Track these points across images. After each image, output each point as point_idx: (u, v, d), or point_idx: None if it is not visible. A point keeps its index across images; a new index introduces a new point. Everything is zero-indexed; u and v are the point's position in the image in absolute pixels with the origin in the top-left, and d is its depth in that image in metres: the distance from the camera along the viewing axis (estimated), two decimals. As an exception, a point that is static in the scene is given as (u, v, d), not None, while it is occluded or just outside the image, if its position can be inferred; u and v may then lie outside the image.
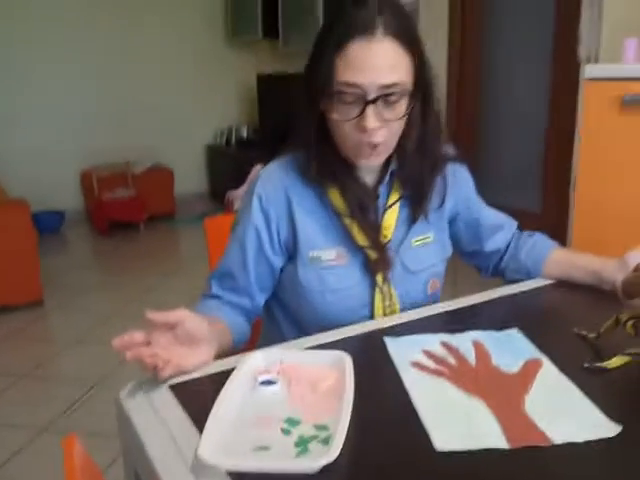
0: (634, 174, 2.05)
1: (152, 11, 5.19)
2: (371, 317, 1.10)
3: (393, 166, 1.09)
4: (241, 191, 4.57)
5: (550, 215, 3.52)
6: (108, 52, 5.06)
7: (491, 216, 1.27)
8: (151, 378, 0.85)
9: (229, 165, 5.32)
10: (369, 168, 1.08)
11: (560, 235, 3.19)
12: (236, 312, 1.10)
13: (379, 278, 1.09)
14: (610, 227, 2.13)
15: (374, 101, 0.95)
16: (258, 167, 4.69)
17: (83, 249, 4.58)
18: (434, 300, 1.18)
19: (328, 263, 1.08)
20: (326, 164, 1.05)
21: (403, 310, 1.11)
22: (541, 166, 3.59)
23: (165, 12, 5.26)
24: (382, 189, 1.10)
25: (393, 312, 1.11)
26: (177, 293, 3.47)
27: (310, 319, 1.10)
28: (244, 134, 5.60)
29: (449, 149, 1.16)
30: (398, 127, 1.01)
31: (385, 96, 0.95)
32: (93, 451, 1.89)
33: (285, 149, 1.12)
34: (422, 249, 1.14)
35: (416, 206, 1.11)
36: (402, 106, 0.98)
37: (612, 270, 1.09)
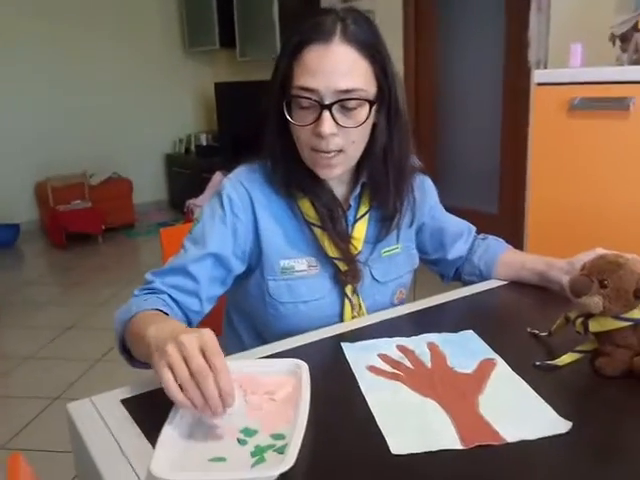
0: (584, 176, 2.11)
1: (107, 23, 5.12)
2: (340, 305, 1.10)
3: (363, 178, 1.08)
4: (201, 200, 4.53)
5: (506, 216, 3.59)
6: (64, 63, 4.97)
7: (454, 224, 1.29)
8: (103, 393, 0.84)
9: (189, 173, 5.28)
10: (329, 179, 1.06)
11: (517, 235, 3.26)
12: (184, 313, 1.01)
13: (348, 289, 1.09)
14: (564, 227, 2.19)
15: (330, 106, 0.94)
16: (219, 174, 4.67)
17: (39, 263, 4.47)
18: (387, 292, 1.18)
19: (300, 273, 1.07)
20: (295, 174, 1.04)
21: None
22: (497, 169, 3.66)
23: (121, 24, 5.20)
24: (352, 201, 1.10)
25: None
26: (137, 305, 3.41)
27: (277, 329, 1.08)
28: (203, 142, 5.56)
29: (414, 161, 1.15)
30: (358, 136, 0.99)
31: (341, 102, 0.94)
32: (51, 468, 1.84)
33: (251, 156, 1.10)
34: (391, 260, 1.15)
35: (387, 219, 1.10)
36: (361, 114, 0.97)
37: (558, 271, 1.12)
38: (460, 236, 1.28)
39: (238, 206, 1.04)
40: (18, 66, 4.76)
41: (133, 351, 0.90)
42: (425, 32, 3.91)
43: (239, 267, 1.07)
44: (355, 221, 1.09)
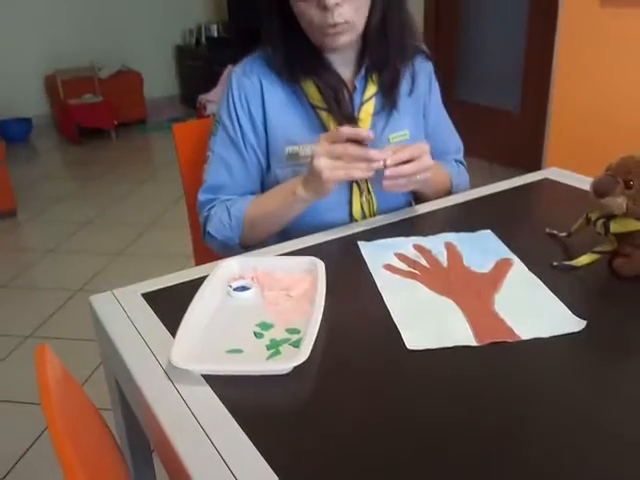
0: (615, 73, 2.01)
1: None
2: (350, 214, 1.10)
3: (367, 60, 1.07)
4: (213, 94, 4.42)
5: (528, 115, 3.48)
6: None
7: (450, 135, 1.26)
8: (124, 287, 0.85)
9: (200, 66, 5.11)
10: (344, 55, 1.06)
11: (538, 136, 3.18)
12: None
13: None
14: (589, 126, 2.12)
15: None
16: (230, 68, 4.52)
17: (54, 158, 4.46)
18: (410, 196, 1.18)
19: (306, 160, 1.05)
20: (298, 56, 1.04)
21: (381, 207, 1.11)
22: (521, 65, 3.50)
23: None
24: (358, 83, 1.09)
25: (371, 209, 1.11)
26: (151, 200, 3.44)
27: (300, 230, 1.08)
28: (214, 33, 5.35)
29: (422, 46, 1.15)
30: (360, 4, 0.99)
31: None
32: (77, 356, 1.93)
33: (254, 47, 1.09)
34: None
35: (386, 95, 1.10)
36: None
37: None
38: (450, 151, 1.25)
39: (249, 93, 1.07)
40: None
41: (263, 222, 1.05)
42: None
43: (263, 157, 1.10)
44: (362, 103, 1.09)
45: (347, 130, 0.92)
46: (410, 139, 1.13)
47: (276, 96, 1.07)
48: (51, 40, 4.80)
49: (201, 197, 1.11)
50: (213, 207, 1.09)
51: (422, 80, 1.16)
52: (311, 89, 1.06)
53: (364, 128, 1.07)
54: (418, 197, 1.18)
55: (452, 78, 3.85)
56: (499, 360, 0.68)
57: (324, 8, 0.95)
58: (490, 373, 0.66)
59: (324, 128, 1.06)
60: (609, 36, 1.98)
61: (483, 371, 0.66)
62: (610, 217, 0.84)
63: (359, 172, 0.93)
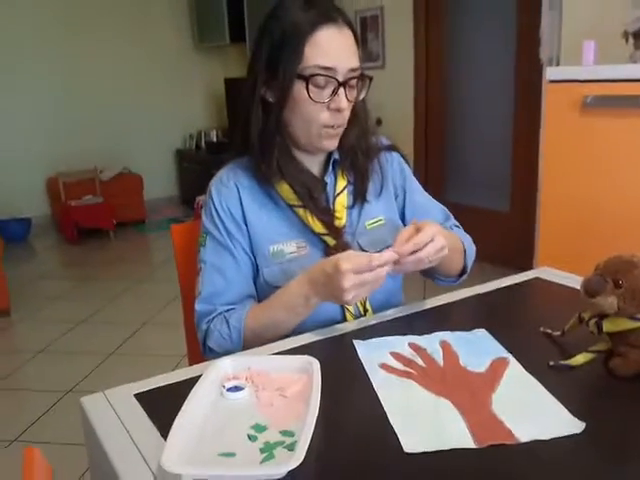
0: (597, 175, 2.09)
1: (118, 19, 5.16)
2: (342, 309, 1.11)
3: (335, 155, 1.15)
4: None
5: (518, 215, 3.57)
6: (76, 60, 5.02)
7: (435, 206, 1.29)
8: (116, 387, 0.84)
9: (199, 169, 5.29)
10: (323, 153, 1.14)
11: (528, 234, 3.25)
12: None
13: None
14: (576, 226, 2.17)
15: (345, 83, 1.04)
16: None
17: (51, 257, 4.50)
18: (397, 282, 1.20)
19: (290, 255, 1.10)
20: (273, 159, 1.10)
21: (373, 299, 1.13)
22: (509, 167, 3.64)
23: (131, 20, 5.23)
24: (328, 179, 1.15)
25: (364, 302, 1.12)
26: (148, 299, 3.43)
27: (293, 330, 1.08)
28: (214, 138, 5.58)
29: (382, 140, 1.23)
30: (350, 110, 1.09)
31: (352, 79, 1.05)
32: (64, 461, 1.86)
33: (228, 158, 1.18)
34: (376, 232, 1.17)
35: (358, 190, 1.16)
36: (355, 90, 1.08)
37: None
38: (439, 219, 1.26)
39: (229, 201, 1.12)
40: (31, 64, 4.80)
41: (269, 331, 1.05)
42: (435, 28, 3.89)
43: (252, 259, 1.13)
44: (335, 197, 1.14)
45: (376, 260, 0.92)
46: (385, 224, 1.18)
47: (253, 200, 1.12)
48: (54, 143, 4.99)
49: (198, 307, 1.10)
50: (212, 320, 1.09)
51: (390, 168, 1.23)
52: (284, 189, 1.11)
53: (341, 220, 1.12)
54: (439, 270, 1.18)
55: (443, 181, 3.99)
56: (498, 463, 0.66)
57: (337, 110, 1.05)
58: (489, 476, 0.64)
59: (302, 224, 1.10)
60: (590, 142, 2.08)
61: (482, 474, 0.64)
62: (602, 316, 0.84)
63: (379, 285, 0.96)
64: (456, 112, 3.95)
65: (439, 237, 0.98)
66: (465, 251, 1.21)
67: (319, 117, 1.05)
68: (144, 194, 5.17)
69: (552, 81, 2.16)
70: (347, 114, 1.08)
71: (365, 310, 1.13)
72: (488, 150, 3.81)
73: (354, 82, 1.06)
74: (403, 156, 1.27)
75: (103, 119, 5.21)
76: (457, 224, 1.31)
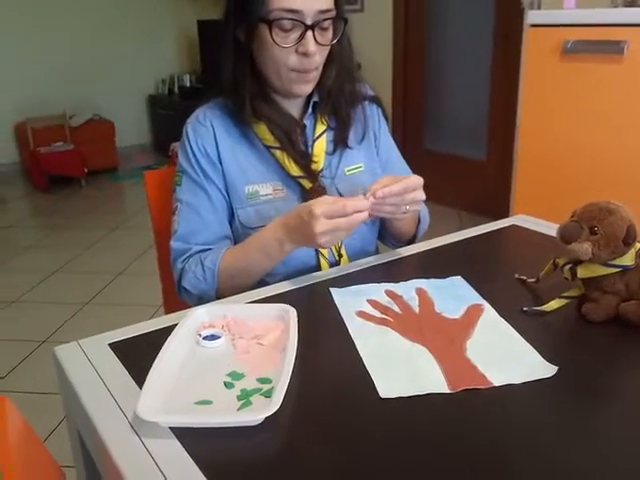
0: (575, 122, 2.09)
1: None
2: (317, 257, 1.10)
3: (315, 98, 1.13)
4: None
5: (495, 163, 3.58)
6: (44, 3, 4.77)
7: (400, 163, 1.29)
8: (90, 337, 0.83)
9: (172, 115, 5.16)
10: (298, 97, 1.11)
11: (505, 183, 3.26)
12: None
13: None
14: (553, 175, 2.18)
15: (313, 26, 1.00)
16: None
17: (21, 206, 4.40)
18: (374, 229, 1.19)
19: (266, 197, 1.10)
20: (250, 99, 1.08)
21: (348, 246, 1.13)
22: (486, 115, 3.62)
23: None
24: (307, 121, 1.13)
25: (339, 249, 1.12)
26: (121, 248, 3.40)
27: (270, 276, 1.08)
28: (187, 83, 5.42)
29: (367, 89, 1.21)
30: (325, 54, 1.07)
31: (321, 22, 1.01)
32: (41, 410, 1.86)
33: (206, 98, 1.16)
34: (356, 178, 1.16)
35: (339, 135, 1.14)
36: (330, 33, 1.05)
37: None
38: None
39: (205, 138, 1.11)
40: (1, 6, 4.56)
41: (243, 274, 1.05)
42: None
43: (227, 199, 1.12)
44: (314, 140, 1.12)
45: (350, 206, 0.90)
46: (365, 170, 1.18)
47: (229, 140, 1.11)
48: (22, 88, 4.81)
49: (174, 245, 1.10)
50: (187, 260, 1.08)
51: (371, 118, 1.21)
52: (262, 130, 1.09)
53: (319, 164, 1.11)
54: (390, 233, 1.20)
55: (421, 129, 3.96)
56: (472, 407, 0.67)
57: (303, 55, 1.01)
58: (463, 420, 0.65)
59: (280, 166, 1.09)
60: (569, 88, 2.07)
61: (456, 418, 0.66)
62: (577, 263, 0.85)
63: (355, 228, 0.94)
64: (435, 58, 3.88)
65: (421, 190, 0.97)
66: (420, 221, 1.22)
67: (287, 61, 1.03)
68: (116, 141, 5.04)
69: (533, 25, 2.12)
70: (318, 58, 1.04)
71: (340, 256, 1.12)
72: (467, 97, 3.78)
73: (327, 24, 1.03)
74: (384, 111, 1.25)
75: (72, 64, 5.02)
76: None
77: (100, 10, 5.07)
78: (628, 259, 0.82)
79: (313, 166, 1.10)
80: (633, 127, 1.94)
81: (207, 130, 1.11)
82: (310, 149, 1.12)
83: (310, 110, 1.13)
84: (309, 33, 1.00)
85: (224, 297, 1.06)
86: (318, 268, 1.11)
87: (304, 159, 1.10)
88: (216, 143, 1.10)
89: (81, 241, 3.52)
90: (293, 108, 1.13)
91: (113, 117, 5.10)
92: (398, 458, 0.60)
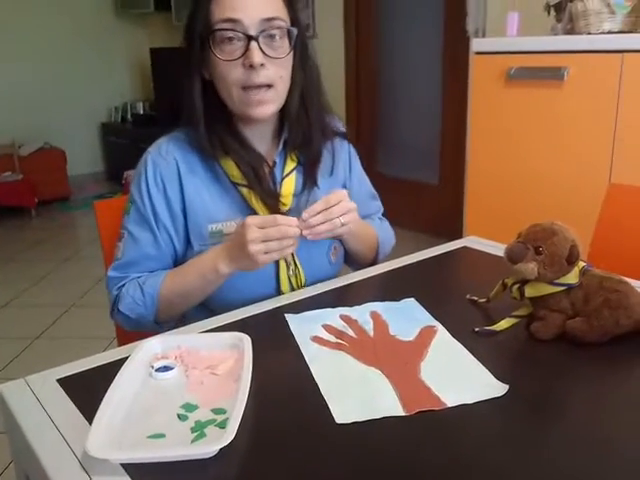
0: (521, 145, 2.16)
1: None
2: (277, 289, 1.09)
3: (285, 134, 1.09)
4: (139, 171, 4.39)
5: (447, 187, 3.65)
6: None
7: (374, 204, 1.31)
8: (38, 372, 0.81)
9: (126, 143, 5.10)
10: (260, 130, 1.08)
11: (457, 205, 3.33)
12: None
13: None
14: (501, 196, 2.24)
15: (257, 37, 0.97)
16: (157, 145, 4.54)
17: (-33, 238, 4.25)
18: (337, 269, 1.19)
19: (228, 237, 1.05)
20: (217, 134, 1.04)
21: (309, 280, 1.11)
22: (438, 139, 3.70)
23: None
24: (277, 159, 1.10)
25: (298, 282, 1.11)
26: (73, 280, 3.31)
27: (214, 296, 1.07)
28: (140, 110, 5.39)
29: (337, 123, 1.19)
30: (284, 70, 1.02)
31: (266, 32, 0.97)
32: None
33: (173, 127, 1.10)
34: None
35: (308, 173, 1.11)
36: (284, 46, 1.01)
37: None
38: (373, 214, 1.31)
39: (165, 174, 1.06)
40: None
41: (182, 298, 1.04)
42: (364, 3, 3.87)
43: (178, 241, 1.09)
44: (283, 178, 1.10)
45: (280, 218, 0.93)
46: None
47: (194, 176, 1.06)
48: (-32, 118, 4.69)
49: (111, 273, 1.08)
50: (123, 285, 1.07)
51: (341, 159, 1.20)
52: (230, 166, 1.06)
53: (286, 204, 1.08)
54: (349, 254, 1.20)
55: (374, 153, 4.02)
56: (427, 428, 0.68)
57: (249, 67, 0.97)
58: (418, 441, 0.66)
59: (246, 204, 1.06)
60: (514, 113, 2.14)
61: (412, 440, 0.66)
62: (524, 282, 0.87)
63: (292, 248, 0.96)
64: (387, 83, 3.96)
65: (345, 201, 0.99)
66: (378, 244, 1.23)
67: (235, 77, 0.98)
68: (68, 170, 4.94)
69: (478, 53, 2.20)
70: (271, 73, 0.99)
71: (301, 286, 1.11)
72: (418, 122, 3.86)
73: (277, 34, 0.99)
74: (354, 148, 1.24)
75: (21, 91, 4.92)
76: (383, 218, 1.33)
77: (51, 37, 5.01)
78: (572, 278, 0.85)
79: (281, 207, 1.07)
80: (574, 149, 2.02)
81: (169, 165, 1.06)
82: (279, 188, 1.09)
83: (281, 146, 1.10)
84: (253, 44, 0.96)
85: (162, 321, 1.06)
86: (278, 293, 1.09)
87: (272, 199, 1.06)
88: (179, 181, 1.06)
89: (31, 274, 3.42)
90: (262, 143, 1.10)
91: (64, 145, 5.00)
92: (354, 484, 0.59)
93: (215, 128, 1.04)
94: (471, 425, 0.69)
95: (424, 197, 3.78)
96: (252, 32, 0.96)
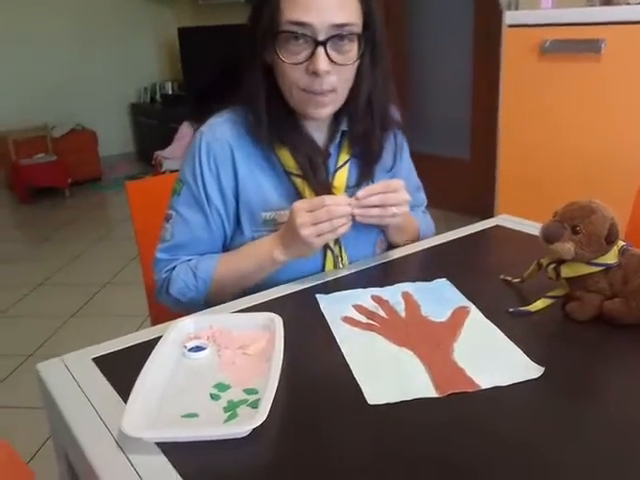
0: (555, 120, 2.10)
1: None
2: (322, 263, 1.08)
3: (344, 126, 1.06)
4: (169, 151, 4.43)
5: (478, 163, 3.59)
6: (23, 12, 4.74)
7: (419, 195, 1.29)
8: (74, 351, 0.82)
9: (155, 124, 5.14)
10: (318, 121, 1.05)
11: (489, 182, 3.27)
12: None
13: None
14: (535, 172, 2.19)
15: (325, 42, 0.92)
16: (186, 125, 4.55)
17: (4, 219, 4.35)
18: (370, 240, 1.16)
19: (282, 225, 1.03)
20: (275, 121, 1.01)
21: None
22: (469, 114, 3.64)
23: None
24: (333, 149, 1.07)
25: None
26: (106, 259, 3.37)
27: (259, 285, 1.05)
28: (169, 91, 5.41)
29: (395, 113, 1.14)
30: (349, 75, 0.98)
31: (336, 37, 0.93)
32: (28, 427, 1.82)
33: (220, 106, 1.07)
34: None
35: (365, 166, 1.08)
36: (353, 51, 0.96)
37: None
38: (416, 206, 1.28)
39: (219, 158, 1.03)
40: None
41: (234, 284, 1.04)
42: (395, -27, 3.79)
43: (229, 224, 1.08)
44: (336, 170, 1.07)
45: (329, 198, 0.93)
46: None
47: (248, 162, 1.04)
48: (2, 101, 4.76)
49: (160, 255, 1.07)
50: (174, 268, 1.06)
51: (403, 157, 1.17)
52: (285, 155, 1.03)
53: (338, 194, 1.04)
54: (389, 243, 1.18)
55: (405, 130, 3.96)
56: (460, 410, 0.67)
57: (313, 74, 0.93)
58: (452, 423, 0.65)
59: (299, 195, 1.03)
60: (548, 88, 2.09)
61: (445, 422, 0.65)
62: (560, 262, 0.85)
63: (345, 227, 0.95)
64: (417, 59, 3.89)
65: (402, 191, 0.97)
66: (419, 237, 1.21)
67: (296, 80, 0.95)
68: (99, 151, 5.00)
69: (511, 25, 2.14)
70: (334, 80, 0.95)
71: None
72: (449, 97, 3.79)
73: (347, 40, 0.94)
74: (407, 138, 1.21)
75: (52, 74, 4.98)
76: (425, 210, 1.31)
77: (80, 20, 5.04)
78: (611, 257, 0.82)
79: None
80: (612, 124, 1.96)
81: (222, 149, 1.03)
82: (331, 179, 1.06)
83: (338, 138, 1.07)
84: (320, 50, 0.91)
85: (212, 303, 1.05)
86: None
87: (324, 190, 1.02)
88: (234, 167, 1.03)
89: (65, 253, 3.49)
90: (320, 133, 1.07)
91: (95, 127, 5.06)
92: (388, 465, 0.59)
93: (274, 116, 1.01)
94: (505, 407, 0.68)
95: (455, 174, 3.73)
96: (321, 37, 0.92)
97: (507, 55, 2.20)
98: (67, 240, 3.73)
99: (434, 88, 3.86)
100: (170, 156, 4.42)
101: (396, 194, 0.96)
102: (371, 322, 0.87)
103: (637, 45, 1.85)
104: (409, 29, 3.86)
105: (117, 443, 0.64)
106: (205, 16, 5.05)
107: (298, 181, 1.04)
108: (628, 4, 1.88)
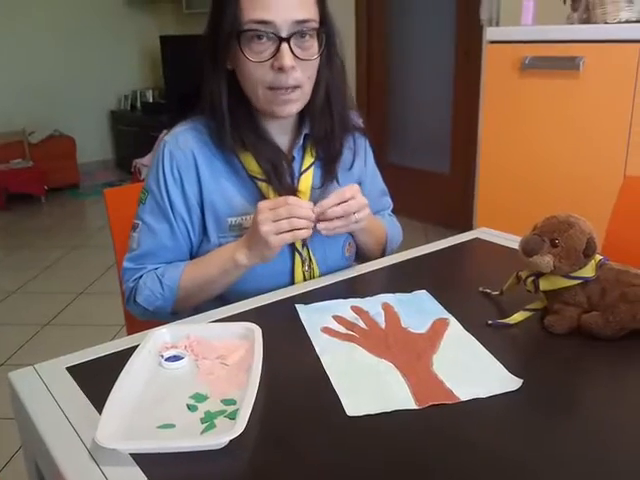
0: (535, 136, 2.13)
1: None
2: (292, 283, 1.08)
3: (306, 129, 1.07)
4: (148, 159, 4.39)
5: (458, 176, 3.63)
6: (6, 16, 4.68)
7: (384, 200, 1.30)
8: (47, 360, 0.80)
9: (135, 131, 5.10)
10: (282, 124, 1.06)
11: (467, 195, 3.31)
12: None
13: (298, 243, 1.07)
14: (514, 187, 2.22)
15: (288, 38, 0.94)
16: (166, 133, 4.53)
17: (-22, 225, 4.27)
18: (350, 264, 1.18)
19: (247, 230, 1.03)
20: (237, 127, 1.02)
21: (323, 275, 1.10)
22: (449, 129, 3.67)
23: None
24: (296, 153, 1.08)
25: (313, 277, 1.09)
26: (82, 267, 3.32)
27: (229, 289, 1.06)
28: (149, 98, 5.38)
29: (356, 117, 1.16)
30: (312, 71, 1.00)
31: (298, 34, 0.95)
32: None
33: (190, 114, 1.07)
34: None
35: (328, 165, 1.09)
36: (314, 47, 0.99)
37: None
38: (385, 205, 1.30)
39: (182, 167, 1.04)
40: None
41: (201, 291, 1.04)
42: (378, -13, 3.83)
43: (194, 233, 1.08)
44: (301, 174, 1.08)
45: (292, 199, 0.94)
46: None
47: (212, 169, 1.04)
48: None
49: (127, 264, 1.07)
50: (141, 277, 1.06)
51: (359, 154, 1.18)
52: (249, 160, 1.04)
53: (304, 198, 1.05)
54: (359, 249, 1.19)
55: (384, 142, 3.99)
56: (439, 422, 0.67)
57: (279, 70, 0.95)
58: (431, 435, 0.65)
59: (264, 199, 1.03)
60: (528, 103, 2.11)
61: (424, 434, 0.65)
62: (539, 275, 0.86)
63: (304, 232, 0.95)
64: (398, 73, 3.93)
65: (359, 196, 0.99)
66: (387, 240, 1.23)
67: (262, 78, 0.96)
68: (77, 158, 4.95)
69: (492, 42, 2.17)
70: (299, 75, 0.97)
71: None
72: (429, 112, 3.83)
73: (308, 36, 0.96)
74: (370, 142, 1.23)
75: (31, 79, 4.92)
76: (391, 214, 1.32)
77: (61, 25, 5.00)
78: (589, 271, 0.83)
79: None
80: (590, 140, 1.99)
81: (186, 158, 1.03)
82: (296, 183, 1.07)
83: (301, 141, 1.08)
84: (284, 46, 0.94)
85: (179, 311, 1.06)
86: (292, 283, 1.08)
87: (289, 194, 1.02)
88: (197, 174, 1.04)
89: (41, 260, 3.43)
90: (282, 137, 1.08)
91: (74, 133, 5.01)
92: (366, 477, 0.59)
93: (236, 122, 1.02)
94: (484, 419, 0.67)
95: (435, 187, 3.75)
96: (284, 34, 0.94)
97: (488, 71, 2.23)
98: (43, 248, 3.67)
99: (415, 102, 3.89)
100: (149, 164, 4.37)
101: (355, 200, 0.98)
102: (351, 333, 0.86)
103: (614, 63, 1.88)
104: (391, 44, 3.90)
105: (90, 454, 0.62)
106: (190, 25, 5.05)
107: (263, 185, 1.05)
108: (606, 23, 1.92)
